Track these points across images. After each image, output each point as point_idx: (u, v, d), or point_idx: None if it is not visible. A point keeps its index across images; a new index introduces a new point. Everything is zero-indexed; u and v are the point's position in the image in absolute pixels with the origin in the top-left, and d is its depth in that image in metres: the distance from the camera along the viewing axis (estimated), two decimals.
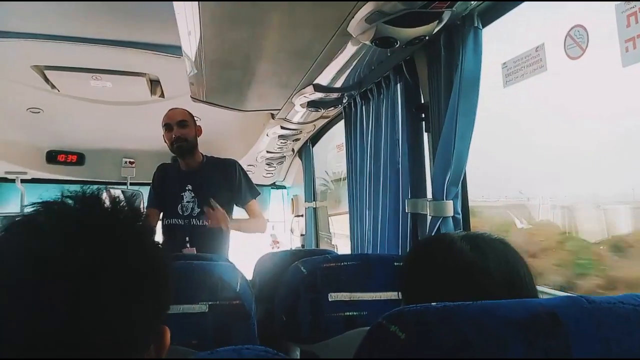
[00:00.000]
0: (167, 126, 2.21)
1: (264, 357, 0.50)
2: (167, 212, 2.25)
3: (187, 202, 2.22)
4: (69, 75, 2.20)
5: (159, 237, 2.23)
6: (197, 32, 1.32)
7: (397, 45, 1.28)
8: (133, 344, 0.47)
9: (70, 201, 0.49)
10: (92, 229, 0.47)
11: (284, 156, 3.57)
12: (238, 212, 2.43)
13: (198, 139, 2.29)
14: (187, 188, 2.23)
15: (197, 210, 2.21)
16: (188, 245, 2.14)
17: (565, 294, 1.42)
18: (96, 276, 0.44)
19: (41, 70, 2.16)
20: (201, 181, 2.25)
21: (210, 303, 1.25)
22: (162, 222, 2.27)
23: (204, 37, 1.34)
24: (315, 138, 3.29)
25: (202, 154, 2.33)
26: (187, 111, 2.26)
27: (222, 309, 1.26)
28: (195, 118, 2.80)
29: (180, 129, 2.19)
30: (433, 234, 1.43)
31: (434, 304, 0.55)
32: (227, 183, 2.28)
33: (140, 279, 0.48)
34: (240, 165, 2.38)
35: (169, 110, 2.24)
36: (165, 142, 2.25)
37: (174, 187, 2.27)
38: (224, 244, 2.29)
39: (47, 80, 2.26)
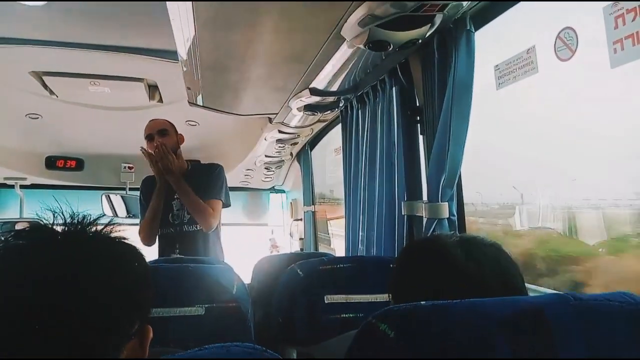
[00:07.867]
0: (149, 137, 2.21)
1: (252, 354, 0.51)
2: (160, 223, 2.25)
3: (177, 210, 2.24)
4: (67, 81, 2.20)
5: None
6: (191, 37, 1.33)
7: (391, 49, 1.29)
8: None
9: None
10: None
11: (283, 160, 3.57)
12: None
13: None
14: (175, 197, 2.23)
15: (187, 216, 2.23)
16: (177, 252, 2.17)
17: (553, 291, 1.43)
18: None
19: (39, 76, 2.16)
20: None
21: (206, 305, 1.25)
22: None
23: (198, 41, 1.35)
24: (313, 142, 3.30)
25: (186, 162, 2.31)
26: (168, 121, 2.27)
27: (219, 311, 1.26)
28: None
29: (161, 138, 2.18)
30: (428, 236, 1.44)
31: (423, 302, 0.56)
32: (209, 184, 2.26)
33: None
34: (222, 169, 2.35)
35: (149, 121, 2.26)
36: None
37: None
38: (216, 245, 2.31)
39: (45, 86, 2.26)
